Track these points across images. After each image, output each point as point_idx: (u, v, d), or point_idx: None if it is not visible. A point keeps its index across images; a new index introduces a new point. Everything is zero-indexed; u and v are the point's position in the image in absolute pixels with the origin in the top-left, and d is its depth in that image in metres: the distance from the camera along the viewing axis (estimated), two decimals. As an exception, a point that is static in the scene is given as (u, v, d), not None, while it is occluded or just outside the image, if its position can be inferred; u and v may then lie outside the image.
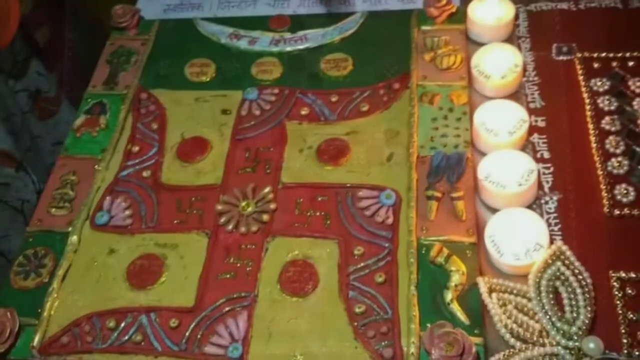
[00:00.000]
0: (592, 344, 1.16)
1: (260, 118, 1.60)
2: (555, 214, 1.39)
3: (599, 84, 1.55)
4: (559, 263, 1.25)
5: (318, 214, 1.42)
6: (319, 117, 1.58)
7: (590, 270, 1.25)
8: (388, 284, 1.30)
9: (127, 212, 1.49)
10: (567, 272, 1.24)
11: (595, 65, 1.59)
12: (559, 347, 1.18)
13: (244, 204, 1.44)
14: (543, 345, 1.19)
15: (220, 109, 1.64)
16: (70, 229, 1.47)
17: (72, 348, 1.31)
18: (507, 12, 1.65)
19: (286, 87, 1.65)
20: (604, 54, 1.60)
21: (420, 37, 1.68)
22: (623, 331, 1.22)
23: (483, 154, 1.44)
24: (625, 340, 1.21)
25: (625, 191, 1.39)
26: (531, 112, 1.52)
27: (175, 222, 1.46)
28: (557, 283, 1.25)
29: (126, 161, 1.57)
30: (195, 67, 1.74)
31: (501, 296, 1.25)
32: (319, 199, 1.44)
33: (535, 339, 1.20)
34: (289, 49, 1.75)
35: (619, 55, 1.59)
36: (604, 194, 1.39)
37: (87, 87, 1.74)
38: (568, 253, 1.26)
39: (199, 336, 1.29)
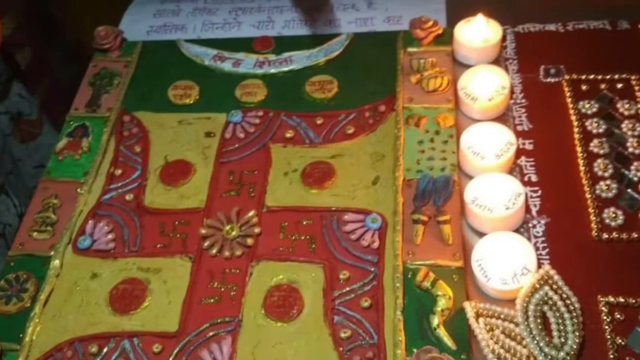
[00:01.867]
0: (580, 370, 1.16)
1: (245, 141, 1.59)
2: (543, 238, 1.38)
3: (587, 106, 1.55)
4: (546, 287, 1.24)
5: (303, 238, 1.41)
6: (304, 139, 1.57)
7: (579, 294, 1.24)
8: (374, 308, 1.29)
9: (110, 236, 1.47)
10: (555, 297, 1.23)
11: (584, 87, 1.59)
12: (548, 373, 1.18)
13: (228, 227, 1.43)
14: (531, 371, 1.19)
15: (204, 131, 1.63)
16: (52, 253, 1.46)
17: (54, 374, 1.31)
18: (495, 33, 1.65)
19: (271, 109, 1.64)
20: (592, 76, 1.60)
21: (406, 59, 1.68)
22: (611, 356, 1.21)
23: (470, 177, 1.43)
24: (614, 366, 1.20)
25: (614, 215, 1.38)
26: (519, 134, 1.52)
27: (159, 246, 1.45)
28: (545, 308, 1.24)
29: (109, 184, 1.56)
30: (179, 89, 1.73)
31: (488, 321, 1.24)
32: (304, 222, 1.43)
33: (523, 364, 1.19)
34: (273, 70, 1.74)
35: (608, 77, 1.59)
36: (592, 217, 1.39)
37: (69, 110, 1.73)
38: (556, 277, 1.25)
39: (182, 362, 1.29)
